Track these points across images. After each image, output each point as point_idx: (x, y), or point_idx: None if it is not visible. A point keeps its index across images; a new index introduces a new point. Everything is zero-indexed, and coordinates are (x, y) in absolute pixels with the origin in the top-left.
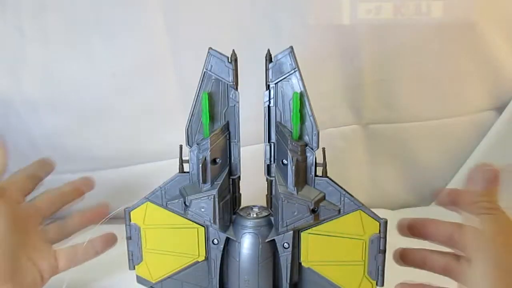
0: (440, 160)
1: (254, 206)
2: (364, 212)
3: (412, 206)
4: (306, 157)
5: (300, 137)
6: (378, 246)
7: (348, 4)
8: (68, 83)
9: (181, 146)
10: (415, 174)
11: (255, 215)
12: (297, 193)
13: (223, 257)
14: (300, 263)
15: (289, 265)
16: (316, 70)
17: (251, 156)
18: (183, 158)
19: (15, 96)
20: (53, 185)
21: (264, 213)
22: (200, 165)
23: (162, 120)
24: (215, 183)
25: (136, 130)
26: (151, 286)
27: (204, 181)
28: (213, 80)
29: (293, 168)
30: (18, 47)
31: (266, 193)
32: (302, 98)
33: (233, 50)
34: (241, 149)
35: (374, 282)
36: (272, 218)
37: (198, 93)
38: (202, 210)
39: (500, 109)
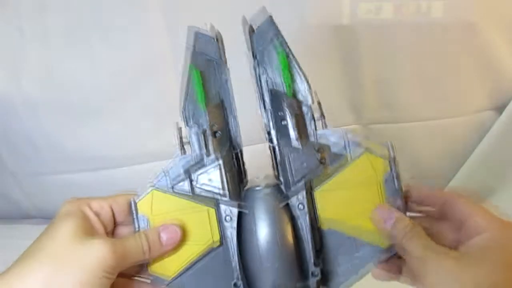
0: (440, 160)
1: (258, 177)
2: (371, 153)
3: None
4: (303, 113)
5: (294, 96)
6: (393, 184)
7: (348, 4)
8: (68, 83)
9: (177, 124)
10: (415, 174)
11: (264, 185)
12: (302, 146)
13: (239, 237)
14: (319, 227)
15: (308, 227)
16: (316, 70)
17: (251, 157)
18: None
19: (15, 96)
20: (53, 185)
21: (273, 182)
22: (202, 138)
23: (162, 120)
24: (218, 154)
25: (136, 130)
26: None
27: (208, 154)
28: (201, 59)
29: (294, 121)
30: (18, 47)
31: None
32: (288, 56)
33: (215, 28)
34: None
35: None
36: (282, 187)
37: (189, 73)
38: (210, 182)
39: (500, 109)
